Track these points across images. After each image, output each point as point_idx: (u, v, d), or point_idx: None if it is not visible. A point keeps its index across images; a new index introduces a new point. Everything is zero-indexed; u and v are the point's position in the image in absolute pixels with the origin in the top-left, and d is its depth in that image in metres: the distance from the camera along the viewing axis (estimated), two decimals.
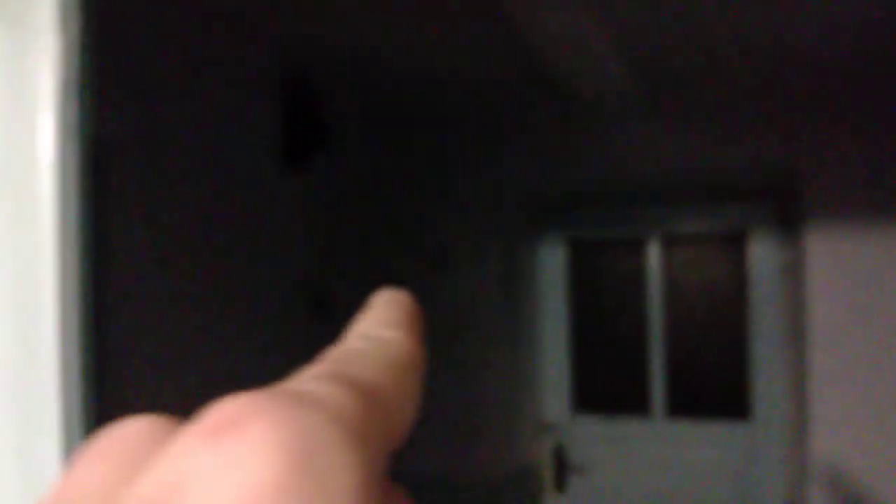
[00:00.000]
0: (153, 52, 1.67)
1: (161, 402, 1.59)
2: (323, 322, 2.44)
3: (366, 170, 2.73)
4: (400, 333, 0.19)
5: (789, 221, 2.48)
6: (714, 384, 2.75)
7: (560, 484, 2.86)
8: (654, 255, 2.82)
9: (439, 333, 2.61)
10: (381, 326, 0.20)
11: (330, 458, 0.13)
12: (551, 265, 2.94)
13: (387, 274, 2.69)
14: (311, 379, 0.16)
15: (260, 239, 2.09)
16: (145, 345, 1.60)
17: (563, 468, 2.87)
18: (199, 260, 1.79)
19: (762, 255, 2.66)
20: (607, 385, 2.89)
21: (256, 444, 0.13)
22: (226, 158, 1.94)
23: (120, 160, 1.52)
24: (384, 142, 2.76)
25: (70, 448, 0.79)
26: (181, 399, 1.69)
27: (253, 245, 2.05)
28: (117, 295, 1.51)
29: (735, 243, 2.72)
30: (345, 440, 0.13)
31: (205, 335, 1.81)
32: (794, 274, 2.44)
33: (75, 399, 0.84)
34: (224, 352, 1.89)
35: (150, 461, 0.14)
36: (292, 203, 2.28)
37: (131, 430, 0.17)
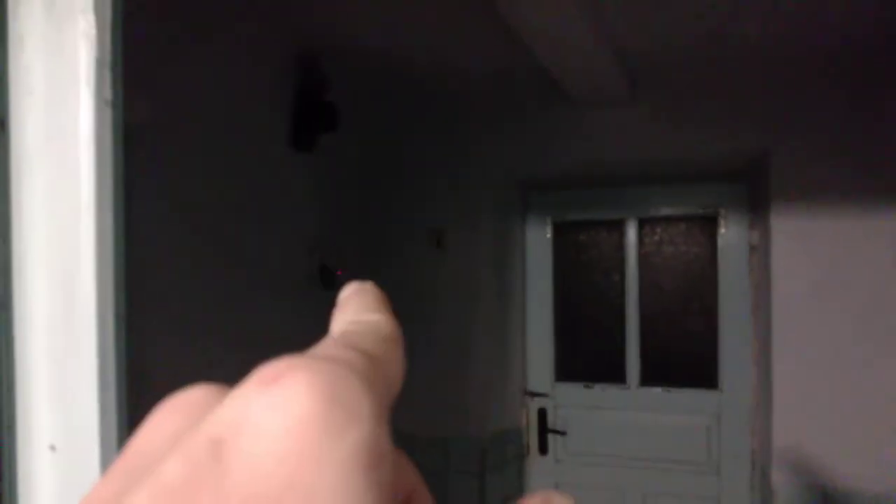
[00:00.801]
0: (171, 36, 1.75)
1: (181, 360, 1.70)
2: (328, 290, 2.56)
3: (368, 153, 2.83)
4: (379, 316, 0.23)
5: (758, 203, 2.61)
6: (685, 356, 2.89)
7: (542, 445, 3.02)
8: (631, 235, 2.95)
9: (437, 307, 2.74)
10: (361, 313, 0.23)
11: (352, 396, 0.16)
12: (537, 245, 3.07)
13: (388, 250, 2.81)
14: (327, 347, 0.19)
15: (270, 214, 2.19)
16: (166, 312, 1.71)
17: (545, 431, 3.02)
18: (214, 235, 1.89)
19: (732, 235, 2.79)
20: (587, 356, 3.03)
21: (297, 389, 0.16)
22: (238, 139, 2.03)
23: (142, 138, 1.61)
24: (384, 126, 2.85)
25: (105, 401, 0.88)
26: (200, 355, 1.81)
27: (263, 221, 2.15)
28: (139, 265, 1.61)
29: (707, 224, 2.86)
30: (361, 383, 0.17)
31: (221, 301, 1.92)
32: (761, 253, 2.57)
33: (110, 349, 0.94)
34: (238, 317, 2.00)
35: (211, 411, 0.17)
36: (300, 182, 2.38)
37: (194, 393, 0.20)
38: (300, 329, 2.39)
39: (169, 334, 1.71)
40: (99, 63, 0.94)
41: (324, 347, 0.19)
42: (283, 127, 2.25)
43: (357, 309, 0.23)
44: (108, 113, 0.96)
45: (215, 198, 1.92)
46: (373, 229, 2.82)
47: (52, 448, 0.84)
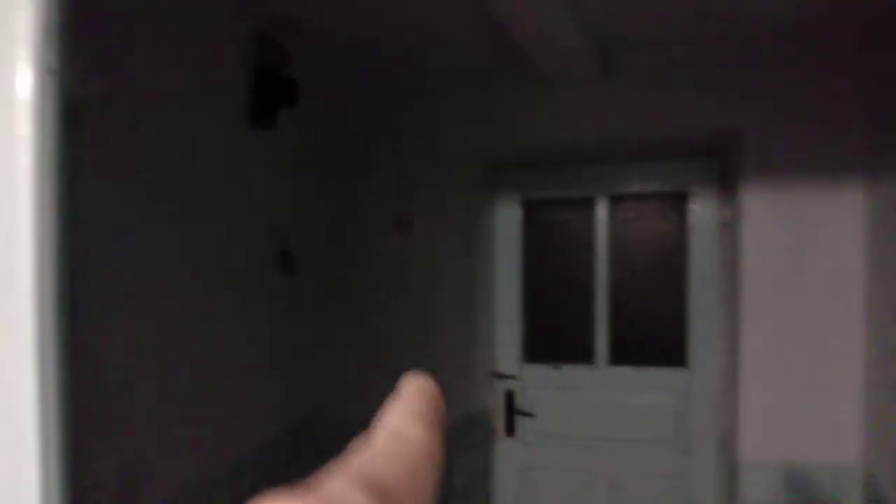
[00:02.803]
0: (124, 9, 1.66)
1: (131, 344, 1.62)
2: (288, 275, 2.50)
3: (330, 132, 2.76)
4: (424, 430, 0.22)
5: (729, 181, 2.61)
6: (655, 335, 2.90)
7: (510, 427, 3.01)
8: (601, 214, 2.93)
9: (402, 289, 2.69)
10: (407, 421, 0.22)
11: None
12: (506, 224, 3.04)
13: (352, 231, 2.74)
14: (337, 478, 0.18)
15: (228, 196, 2.11)
16: (119, 296, 1.63)
17: (512, 413, 3.01)
18: (167, 215, 1.81)
19: (703, 212, 2.79)
20: (555, 337, 3.02)
21: None
22: (195, 116, 1.94)
23: (91, 115, 1.52)
24: (348, 104, 2.78)
25: (44, 381, 0.84)
26: (153, 339, 1.74)
27: (222, 201, 2.07)
28: (87, 247, 1.53)
29: (678, 201, 2.86)
30: None
31: (174, 284, 1.84)
32: (731, 231, 2.57)
33: (50, 332, 0.88)
34: (192, 301, 1.93)
35: None
36: (260, 162, 2.31)
37: None
38: (259, 314, 2.33)
39: (117, 318, 1.64)
40: (41, 28, 0.87)
41: (334, 484, 0.18)
42: (240, 103, 2.17)
43: (405, 413, 0.23)
44: (51, 81, 0.89)
45: (168, 176, 1.84)
46: (336, 211, 2.75)
47: None
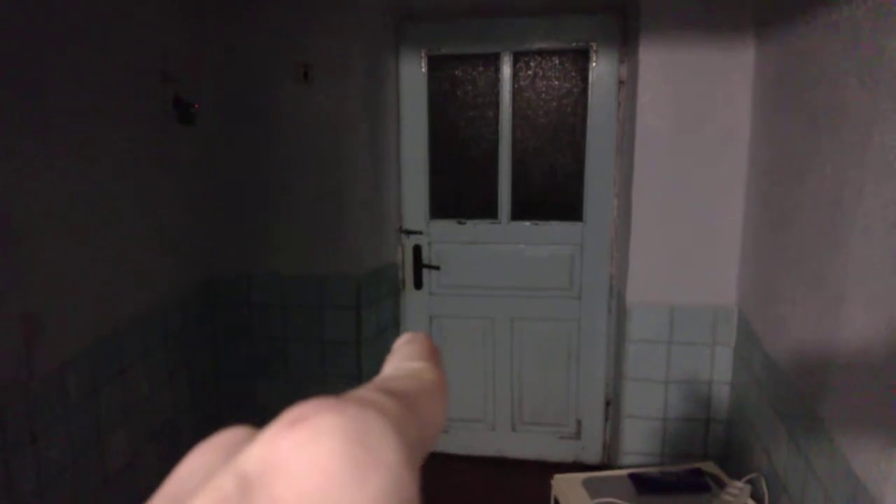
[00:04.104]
0: None
1: (28, 197, 1.56)
2: (186, 125, 2.40)
3: None
4: (423, 364, 0.24)
5: (629, 37, 2.63)
6: (554, 190, 3.01)
7: (417, 280, 3.13)
8: (506, 70, 2.93)
9: (306, 144, 2.65)
10: (407, 360, 0.24)
11: (378, 438, 0.17)
12: (412, 79, 2.99)
13: (251, 82, 2.63)
14: (361, 390, 0.20)
15: (114, 34, 1.97)
16: (7, 147, 1.54)
17: (419, 266, 3.12)
18: (48, 59, 1.69)
19: (603, 69, 2.83)
20: (461, 193, 3.09)
21: (323, 429, 0.17)
22: None
23: None
24: None
25: None
26: (50, 192, 1.68)
27: (107, 42, 1.94)
28: None
29: (580, 58, 2.87)
30: (389, 427, 0.17)
31: (70, 136, 1.76)
32: (628, 87, 2.63)
33: None
34: (90, 151, 1.85)
35: (242, 449, 0.17)
36: (147, 4, 2.15)
37: (230, 433, 0.21)
38: (156, 166, 2.26)
39: (7, 169, 1.57)
40: None
41: (358, 391, 0.20)
42: None
43: (404, 356, 0.24)
44: None
45: (50, 19, 1.70)
46: (233, 59, 2.63)
47: None
